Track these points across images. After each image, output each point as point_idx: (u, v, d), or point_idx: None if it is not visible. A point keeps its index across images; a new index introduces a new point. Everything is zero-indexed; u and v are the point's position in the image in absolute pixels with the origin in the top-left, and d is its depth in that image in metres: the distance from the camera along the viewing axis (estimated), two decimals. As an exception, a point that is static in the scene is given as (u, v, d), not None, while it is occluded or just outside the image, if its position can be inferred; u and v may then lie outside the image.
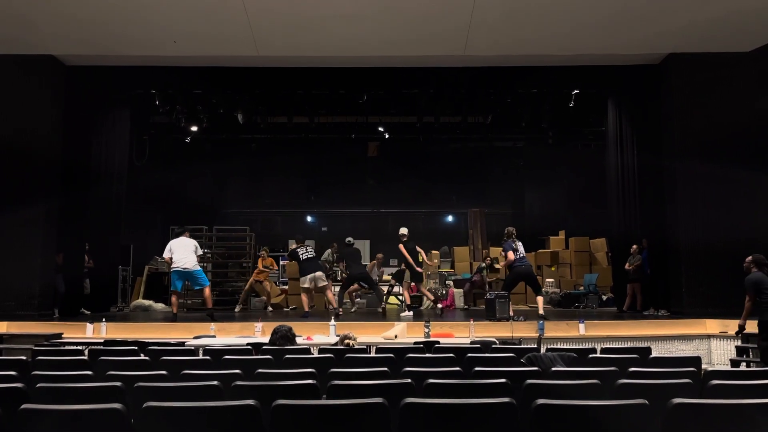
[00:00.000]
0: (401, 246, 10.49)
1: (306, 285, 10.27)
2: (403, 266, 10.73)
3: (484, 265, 13.23)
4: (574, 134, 14.90)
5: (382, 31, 9.35)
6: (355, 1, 8.57)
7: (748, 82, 9.84)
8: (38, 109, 9.96)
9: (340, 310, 10.39)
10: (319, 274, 10.30)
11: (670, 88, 10.15)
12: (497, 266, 13.62)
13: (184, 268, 9.31)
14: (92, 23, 9.09)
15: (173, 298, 9.66)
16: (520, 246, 9.38)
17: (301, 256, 10.34)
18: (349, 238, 11.47)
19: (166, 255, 9.53)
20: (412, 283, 10.96)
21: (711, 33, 9.37)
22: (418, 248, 10.75)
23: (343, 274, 11.81)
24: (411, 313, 10.24)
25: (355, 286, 11.56)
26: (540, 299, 9.51)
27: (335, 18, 8.94)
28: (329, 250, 12.58)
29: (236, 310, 11.73)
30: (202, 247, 10.21)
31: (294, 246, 10.69)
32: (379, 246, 14.32)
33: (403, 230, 10.71)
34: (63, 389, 3.26)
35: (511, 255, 9.31)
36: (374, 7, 8.73)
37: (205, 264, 10.75)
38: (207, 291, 9.65)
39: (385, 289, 12.02)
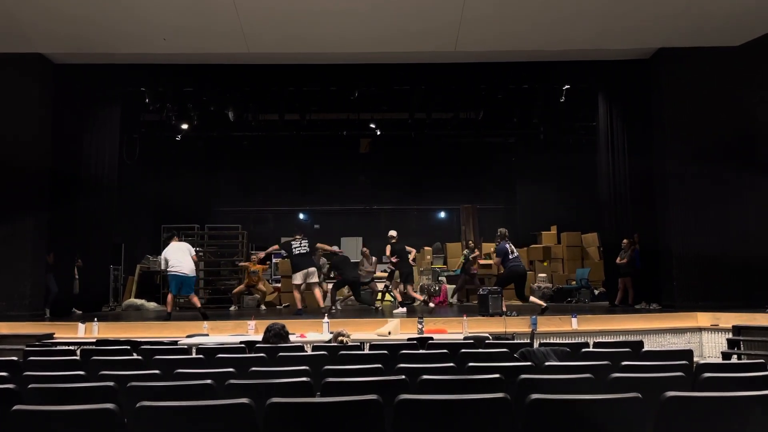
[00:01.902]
0: (388, 247, 10.63)
1: (297, 281, 10.25)
2: (389, 266, 10.82)
3: (467, 251, 13.30)
4: (565, 130, 14.91)
5: (373, 27, 9.34)
6: (345, -2, 8.57)
7: (737, 77, 9.91)
8: (26, 108, 9.90)
9: (333, 307, 10.39)
10: (312, 269, 10.28)
11: (660, 83, 10.20)
12: (489, 261, 13.66)
13: (182, 273, 9.36)
14: (81, 20, 9.03)
15: (169, 297, 9.66)
16: (510, 246, 9.57)
17: (294, 250, 10.27)
18: (335, 247, 11.53)
19: (162, 266, 9.65)
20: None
21: (700, 27, 9.42)
22: (407, 248, 10.88)
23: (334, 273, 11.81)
24: (404, 309, 10.26)
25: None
26: (532, 298, 9.63)
27: (326, 14, 8.92)
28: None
29: (231, 309, 11.71)
30: (193, 246, 10.21)
31: (290, 239, 10.62)
32: (371, 242, 14.34)
33: (392, 233, 10.81)
34: (55, 390, 3.24)
35: (496, 261, 9.78)
36: (365, 3, 8.72)
37: (198, 262, 10.67)
38: (194, 298, 9.71)
39: (380, 285, 12.04)
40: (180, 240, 9.92)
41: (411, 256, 11.02)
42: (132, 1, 8.57)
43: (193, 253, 9.71)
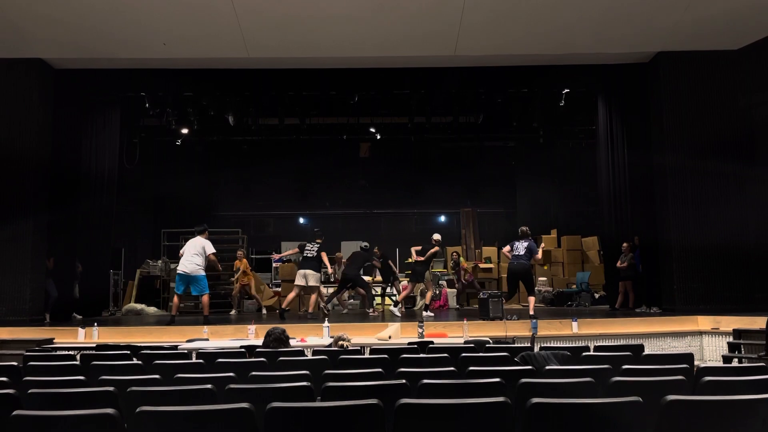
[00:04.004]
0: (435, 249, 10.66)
1: (297, 282, 10.24)
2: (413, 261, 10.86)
3: (452, 262, 13.36)
4: (564, 133, 14.95)
5: (373, 32, 9.36)
6: (345, 2, 8.58)
7: (736, 80, 9.93)
8: (27, 113, 9.89)
9: (327, 310, 10.34)
10: (308, 272, 10.20)
11: (660, 86, 10.21)
12: (489, 265, 13.67)
13: (183, 272, 9.25)
14: (81, 26, 9.04)
15: (175, 300, 9.59)
16: (520, 244, 9.38)
17: (305, 252, 10.37)
18: (365, 244, 11.53)
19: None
20: (404, 283, 11.04)
21: (700, 31, 9.44)
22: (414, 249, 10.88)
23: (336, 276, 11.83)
24: (432, 314, 10.23)
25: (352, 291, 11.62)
26: (531, 300, 9.54)
27: (325, 19, 8.94)
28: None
29: (231, 313, 11.70)
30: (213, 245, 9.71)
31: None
32: (371, 246, 14.31)
33: (436, 236, 10.82)
34: (55, 395, 3.24)
35: (505, 249, 9.68)
36: (365, 8, 8.74)
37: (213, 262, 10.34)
38: (205, 298, 9.38)
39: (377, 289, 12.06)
40: (204, 236, 9.57)
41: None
42: (132, 7, 8.59)
43: (209, 251, 9.36)
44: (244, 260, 12.11)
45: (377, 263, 11.71)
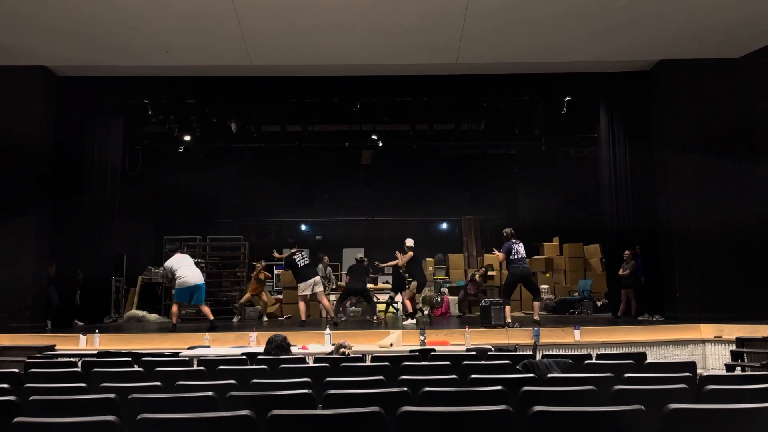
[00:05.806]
0: (405, 256, 10.53)
1: (306, 292, 10.19)
2: (404, 273, 10.77)
3: (477, 275, 13.26)
4: (566, 140, 14.97)
5: (375, 40, 9.39)
6: (348, 11, 8.60)
7: (738, 88, 9.94)
8: (29, 120, 9.93)
9: (335, 318, 10.35)
10: (317, 279, 10.30)
11: (661, 94, 10.23)
12: (491, 273, 13.66)
13: (192, 283, 9.39)
14: (84, 34, 9.08)
15: (174, 308, 9.62)
16: (519, 247, 9.26)
17: (298, 263, 10.28)
18: (361, 256, 11.50)
19: (168, 277, 9.68)
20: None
21: (701, 40, 9.46)
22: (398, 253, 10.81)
23: (339, 283, 11.83)
24: (414, 321, 10.15)
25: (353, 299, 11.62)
26: (536, 305, 9.47)
27: (328, 27, 8.97)
28: (320, 265, 12.57)
29: (234, 320, 11.68)
30: (195, 257, 10.20)
31: (290, 252, 10.59)
32: (373, 253, 14.33)
33: (409, 241, 10.69)
34: (56, 402, 3.24)
35: (501, 255, 9.32)
36: (367, 16, 8.76)
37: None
38: (205, 308, 9.69)
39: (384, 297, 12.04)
40: (183, 253, 9.90)
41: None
42: (135, 16, 8.61)
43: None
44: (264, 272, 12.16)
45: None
